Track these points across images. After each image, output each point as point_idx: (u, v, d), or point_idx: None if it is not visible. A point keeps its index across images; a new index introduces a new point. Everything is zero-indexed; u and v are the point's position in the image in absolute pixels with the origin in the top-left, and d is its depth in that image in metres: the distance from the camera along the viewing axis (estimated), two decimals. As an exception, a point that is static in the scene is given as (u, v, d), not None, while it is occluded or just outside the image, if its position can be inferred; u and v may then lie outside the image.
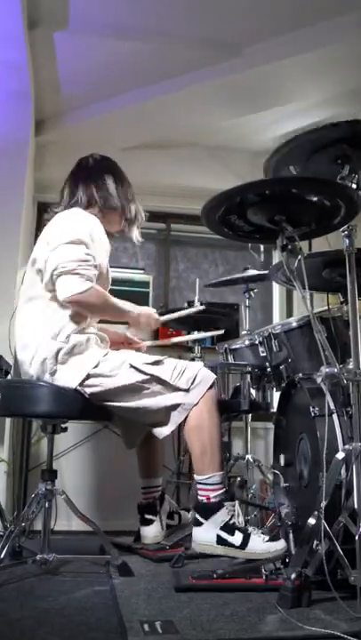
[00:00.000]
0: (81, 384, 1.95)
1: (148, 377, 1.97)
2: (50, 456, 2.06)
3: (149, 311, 2.29)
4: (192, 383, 1.97)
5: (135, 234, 2.28)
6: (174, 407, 1.98)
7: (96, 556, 2.14)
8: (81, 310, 2.01)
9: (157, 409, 1.99)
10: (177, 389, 1.97)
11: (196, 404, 1.96)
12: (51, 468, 2.01)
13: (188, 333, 3.03)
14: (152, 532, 2.23)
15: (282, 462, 1.89)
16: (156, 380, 1.98)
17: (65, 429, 2.12)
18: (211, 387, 1.99)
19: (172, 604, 1.57)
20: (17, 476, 3.01)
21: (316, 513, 1.54)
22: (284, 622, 1.42)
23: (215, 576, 1.77)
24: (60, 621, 1.44)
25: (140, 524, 2.27)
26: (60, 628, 1.39)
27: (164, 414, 2.00)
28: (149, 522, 2.24)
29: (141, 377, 1.97)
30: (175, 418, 1.98)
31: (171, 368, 1.99)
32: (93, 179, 2.21)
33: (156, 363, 2.00)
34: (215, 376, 2.03)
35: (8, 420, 2.92)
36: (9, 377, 2.69)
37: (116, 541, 2.18)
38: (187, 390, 1.97)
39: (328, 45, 3.04)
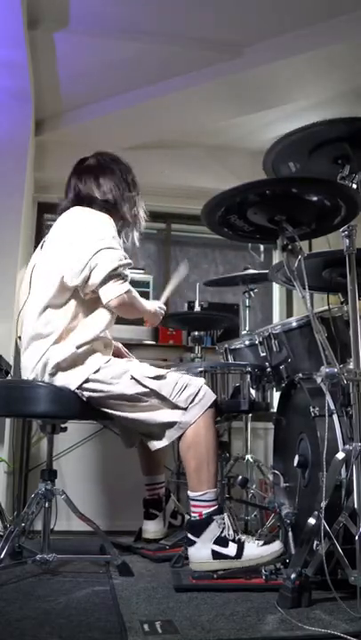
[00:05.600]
0: (79, 387, 1.94)
1: (147, 390, 1.94)
2: (50, 456, 2.06)
3: (156, 305, 2.30)
4: (191, 402, 1.94)
5: (133, 236, 2.25)
6: (170, 425, 1.95)
7: (96, 556, 2.14)
8: (122, 312, 2.03)
9: (153, 423, 1.97)
10: (175, 407, 1.94)
11: (192, 423, 1.94)
12: (51, 467, 2.02)
13: (189, 334, 3.03)
14: (154, 527, 2.25)
15: (295, 463, 1.87)
16: (155, 394, 1.95)
17: (64, 429, 2.12)
18: (210, 407, 1.96)
19: (172, 604, 1.57)
20: (17, 475, 3.01)
21: (316, 513, 1.54)
22: (284, 622, 1.42)
23: (215, 576, 1.77)
24: (60, 621, 1.44)
25: (144, 518, 2.29)
26: (60, 628, 1.39)
27: (159, 428, 1.97)
28: (153, 516, 2.26)
29: (141, 389, 1.94)
30: (170, 434, 1.96)
31: (172, 384, 1.96)
32: (95, 177, 2.18)
33: (158, 377, 1.96)
34: (215, 396, 1.99)
35: (8, 421, 2.92)
36: (9, 377, 2.70)
37: (116, 541, 2.18)
38: (185, 409, 1.94)
39: (328, 45, 3.04)
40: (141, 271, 3.65)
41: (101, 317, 2.03)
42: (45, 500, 1.95)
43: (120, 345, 2.39)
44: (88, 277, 1.94)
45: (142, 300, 2.13)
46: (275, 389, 2.53)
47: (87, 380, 1.94)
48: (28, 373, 2.00)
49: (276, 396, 2.33)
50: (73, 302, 1.99)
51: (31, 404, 1.95)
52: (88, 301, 2.01)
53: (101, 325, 2.01)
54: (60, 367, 1.94)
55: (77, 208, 2.09)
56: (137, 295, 2.06)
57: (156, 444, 1.99)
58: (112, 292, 1.94)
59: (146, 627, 1.36)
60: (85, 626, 1.41)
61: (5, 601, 1.61)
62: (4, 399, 2.00)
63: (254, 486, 2.83)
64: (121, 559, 1.93)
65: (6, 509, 2.73)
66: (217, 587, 1.73)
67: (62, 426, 2.10)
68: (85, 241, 1.96)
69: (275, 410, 2.27)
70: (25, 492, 2.99)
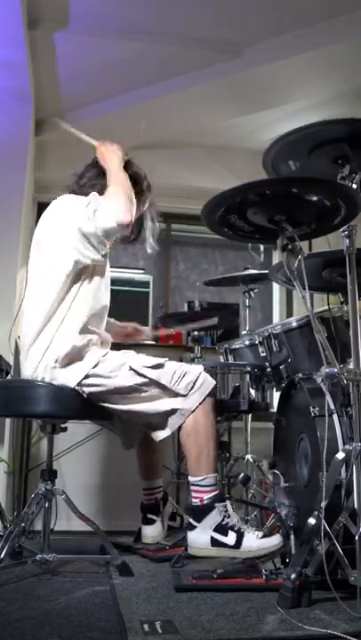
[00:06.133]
0: (79, 384, 1.94)
1: (147, 380, 1.96)
2: (50, 456, 2.06)
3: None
4: (191, 389, 1.95)
5: (148, 243, 2.24)
6: (172, 412, 1.96)
7: (96, 556, 2.14)
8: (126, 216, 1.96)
9: (155, 413, 1.98)
10: (176, 394, 1.96)
11: (194, 409, 1.95)
12: (51, 468, 2.01)
13: (188, 334, 3.03)
14: (153, 532, 2.24)
15: (305, 476, 1.86)
16: (155, 383, 1.96)
17: (64, 429, 2.12)
18: (210, 393, 1.98)
19: (172, 604, 1.57)
20: (17, 476, 3.01)
21: (316, 513, 1.54)
22: (284, 622, 1.42)
23: (215, 576, 1.77)
24: (60, 621, 1.44)
25: (142, 523, 2.28)
26: (60, 627, 1.39)
27: (161, 418, 1.98)
28: (151, 521, 2.25)
29: (140, 380, 1.95)
30: (172, 422, 1.97)
31: (171, 372, 1.97)
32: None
33: (157, 366, 1.98)
34: (215, 382, 2.01)
35: (8, 421, 2.92)
36: (8, 377, 2.69)
37: (116, 541, 2.18)
38: (185, 396, 1.95)
39: (328, 45, 3.05)
40: (141, 271, 3.65)
41: (93, 310, 2.04)
42: (45, 499, 1.95)
43: (117, 323, 2.41)
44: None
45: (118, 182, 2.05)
46: (275, 389, 2.53)
47: (87, 376, 1.94)
48: (29, 372, 2.00)
49: (276, 395, 2.33)
50: (64, 296, 1.99)
51: (31, 403, 1.95)
52: (79, 293, 2.02)
53: (95, 320, 2.03)
54: (57, 365, 1.94)
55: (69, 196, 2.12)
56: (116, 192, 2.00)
57: (160, 435, 2.00)
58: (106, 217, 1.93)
59: (146, 627, 1.36)
60: (85, 626, 1.41)
61: (5, 601, 1.61)
62: (4, 399, 2.00)
63: (254, 486, 2.83)
64: (121, 559, 1.93)
65: (6, 509, 2.73)
66: (217, 587, 1.73)
67: (62, 426, 2.09)
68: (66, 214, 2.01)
69: (275, 410, 2.27)
70: (25, 491, 2.99)
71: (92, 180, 2.14)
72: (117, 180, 2.04)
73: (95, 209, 1.94)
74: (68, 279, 1.99)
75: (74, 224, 1.96)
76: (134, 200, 2.03)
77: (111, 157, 2.12)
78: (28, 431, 3.09)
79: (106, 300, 2.15)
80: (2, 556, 1.80)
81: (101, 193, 2.02)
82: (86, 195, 2.03)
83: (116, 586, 1.76)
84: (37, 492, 1.96)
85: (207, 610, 1.53)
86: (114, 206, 1.94)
